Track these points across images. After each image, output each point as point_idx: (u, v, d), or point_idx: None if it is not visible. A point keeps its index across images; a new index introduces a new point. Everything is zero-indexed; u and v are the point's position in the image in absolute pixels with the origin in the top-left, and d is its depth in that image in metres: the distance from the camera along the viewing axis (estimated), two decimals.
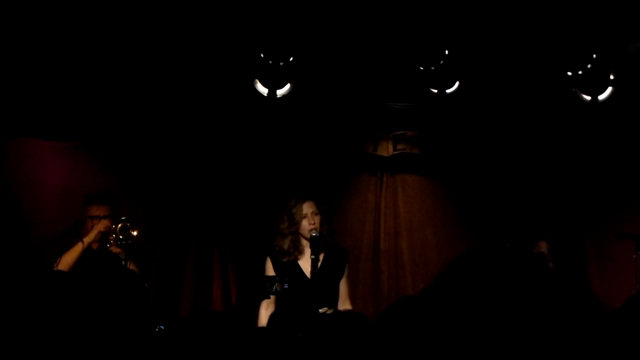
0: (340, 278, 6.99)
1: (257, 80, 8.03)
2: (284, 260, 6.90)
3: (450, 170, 8.83)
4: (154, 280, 8.23)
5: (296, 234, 6.93)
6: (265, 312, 6.78)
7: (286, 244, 6.91)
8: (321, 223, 6.92)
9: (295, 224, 6.91)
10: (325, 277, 6.87)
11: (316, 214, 6.92)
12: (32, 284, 6.92)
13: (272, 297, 6.62)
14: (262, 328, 6.59)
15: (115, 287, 6.94)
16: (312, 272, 6.72)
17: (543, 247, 7.65)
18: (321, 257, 6.88)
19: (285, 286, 6.04)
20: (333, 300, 6.88)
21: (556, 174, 8.71)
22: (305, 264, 6.87)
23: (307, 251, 6.85)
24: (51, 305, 6.09)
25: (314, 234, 6.77)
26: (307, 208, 6.91)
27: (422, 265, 8.79)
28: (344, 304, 6.95)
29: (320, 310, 6.59)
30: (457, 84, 8.13)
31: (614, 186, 8.68)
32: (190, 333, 4.36)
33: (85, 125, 8.34)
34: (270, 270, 6.89)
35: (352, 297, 7.31)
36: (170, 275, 8.53)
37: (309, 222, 6.88)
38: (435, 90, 8.12)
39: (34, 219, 8.22)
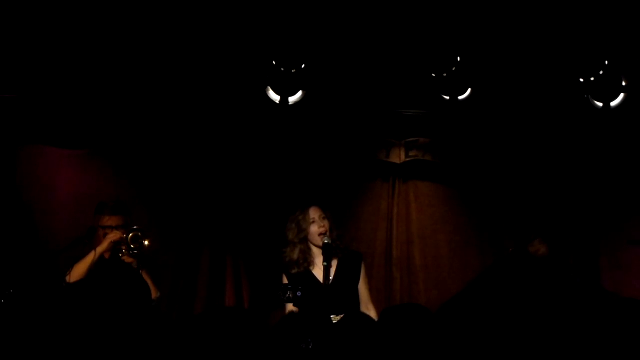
0: (357, 282, 6.92)
1: (269, 88, 8.04)
2: (294, 272, 6.82)
3: (462, 177, 8.81)
4: (167, 288, 8.24)
5: (306, 243, 6.87)
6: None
7: (296, 253, 6.83)
8: (330, 229, 6.87)
9: (303, 231, 6.84)
10: (341, 283, 6.81)
11: (324, 218, 6.88)
12: (45, 290, 6.97)
13: (288, 306, 6.55)
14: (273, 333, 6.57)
15: (126, 296, 6.99)
16: (324, 279, 6.67)
17: (541, 249, 7.64)
18: (335, 263, 6.83)
19: (298, 294, 6.01)
20: (353, 306, 6.82)
21: (569, 180, 8.69)
22: (318, 272, 6.80)
23: (319, 260, 6.80)
24: (63, 311, 6.12)
25: (326, 241, 6.71)
26: (313, 213, 6.87)
27: (434, 272, 8.77)
28: (367, 309, 6.88)
29: (335, 320, 6.55)
30: (469, 90, 8.13)
31: (628, 193, 8.65)
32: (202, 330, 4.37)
33: (97, 133, 8.36)
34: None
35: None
36: (183, 283, 8.53)
37: (318, 226, 6.84)
38: (448, 97, 8.12)
39: (47, 227, 8.24)
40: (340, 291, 6.76)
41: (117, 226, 7.37)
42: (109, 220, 7.38)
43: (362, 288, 6.93)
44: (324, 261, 6.63)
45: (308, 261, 6.84)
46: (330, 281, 6.70)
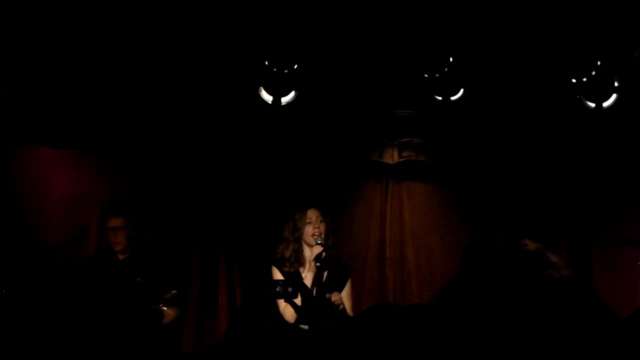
0: (340, 292, 6.88)
1: (261, 88, 8.04)
2: (285, 269, 6.82)
3: (455, 177, 8.82)
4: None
5: (299, 242, 6.88)
6: (284, 304, 6.60)
7: (288, 251, 6.84)
8: (326, 234, 6.85)
9: (298, 230, 6.84)
10: (325, 291, 6.79)
11: (321, 221, 6.87)
12: (39, 290, 6.97)
13: (280, 302, 6.54)
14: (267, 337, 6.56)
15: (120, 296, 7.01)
16: (316, 281, 6.64)
17: (531, 245, 7.61)
18: (324, 273, 6.79)
19: (289, 289, 5.99)
20: (332, 313, 6.78)
21: (562, 180, 8.70)
22: (308, 275, 6.79)
23: (310, 261, 6.79)
24: (56, 308, 6.12)
25: (319, 242, 6.71)
26: (311, 214, 6.87)
27: (427, 273, 8.78)
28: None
29: (302, 326, 6.54)
30: (461, 91, 8.13)
31: (620, 192, 8.67)
32: None
33: (89, 133, 8.37)
34: (278, 277, 6.83)
35: (355, 309, 7.17)
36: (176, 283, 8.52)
37: (313, 227, 6.84)
38: (440, 98, 8.12)
39: (40, 227, 8.24)
40: (320, 300, 6.72)
41: (121, 227, 7.43)
42: (114, 222, 7.45)
43: (345, 300, 6.87)
44: (315, 260, 6.63)
45: (299, 261, 6.84)
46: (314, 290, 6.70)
